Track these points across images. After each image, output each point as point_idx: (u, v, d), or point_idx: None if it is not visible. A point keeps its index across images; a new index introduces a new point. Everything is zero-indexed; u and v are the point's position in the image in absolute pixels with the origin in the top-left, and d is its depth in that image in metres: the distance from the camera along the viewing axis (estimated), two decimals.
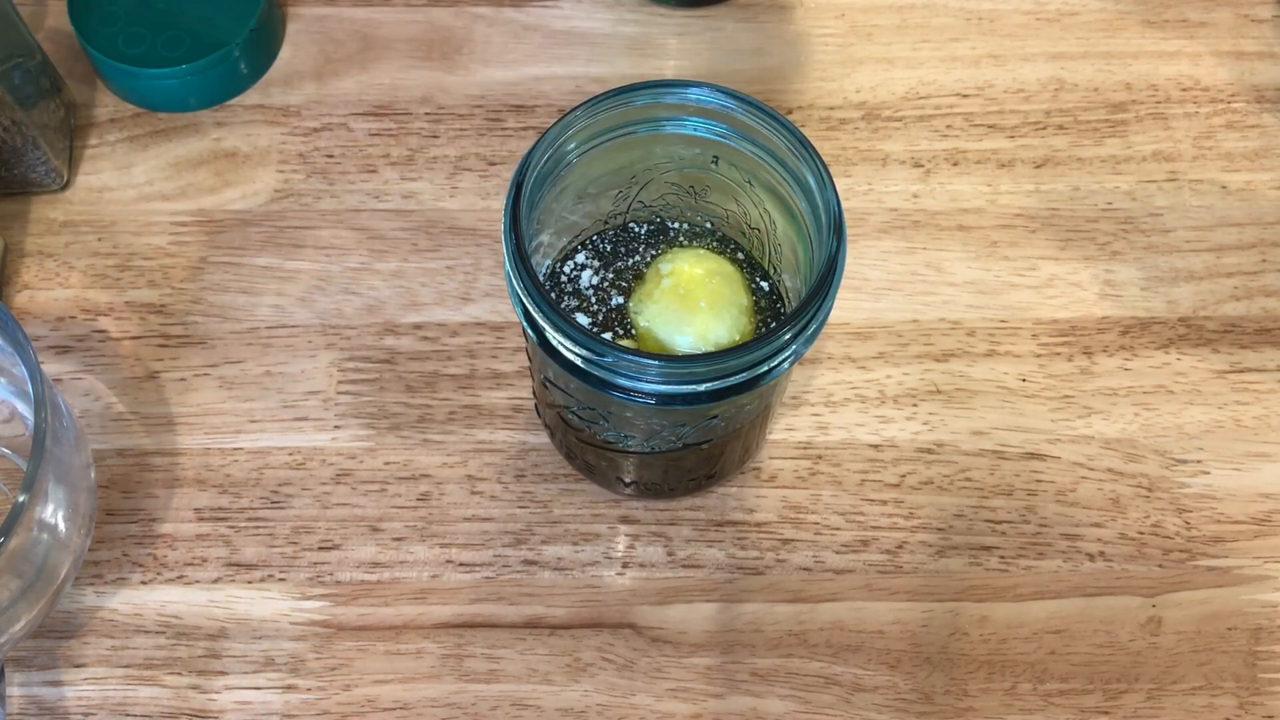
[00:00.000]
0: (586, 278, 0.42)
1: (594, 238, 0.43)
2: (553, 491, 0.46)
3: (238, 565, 0.45)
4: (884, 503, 0.46)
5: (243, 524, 0.45)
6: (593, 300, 0.42)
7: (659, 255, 0.42)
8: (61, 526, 0.40)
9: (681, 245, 0.43)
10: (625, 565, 0.45)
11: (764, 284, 0.42)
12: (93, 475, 0.42)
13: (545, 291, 0.34)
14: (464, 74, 0.55)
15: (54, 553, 0.40)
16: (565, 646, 0.44)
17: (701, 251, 0.42)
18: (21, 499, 0.36)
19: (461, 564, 0.45)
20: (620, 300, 0.41)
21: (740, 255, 0.43)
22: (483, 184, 0.52)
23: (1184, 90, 0.55)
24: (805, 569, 0.45)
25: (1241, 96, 0.55)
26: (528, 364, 0.47)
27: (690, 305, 0.39)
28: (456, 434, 0.47)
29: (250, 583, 0.45)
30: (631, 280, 0.42)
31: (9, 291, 0.49)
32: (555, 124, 0.36)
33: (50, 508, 0.39)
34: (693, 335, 0.39)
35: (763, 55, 0.55)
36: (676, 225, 0.43)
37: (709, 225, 0.43)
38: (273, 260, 0.50)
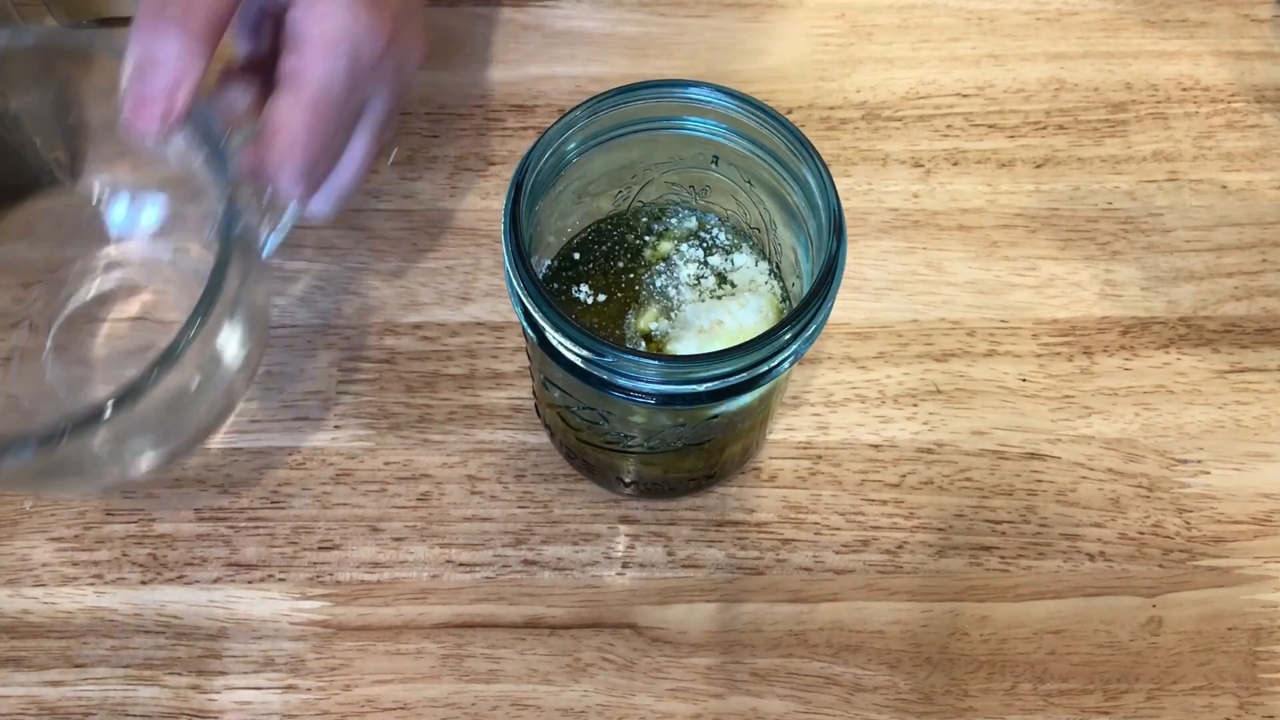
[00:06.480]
0: (585, 290, 0.42)
1: (593, 237, 0.43)
2: (553, 491, 0.46)
3: (238, 565, 0.45)
4: (884, 503, 0.46)
5: (243, 524, 0.45)
6: (594, 300, 0.42)
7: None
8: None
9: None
10: (625, 565, 0.45)
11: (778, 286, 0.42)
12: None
13: (545, 291, 0.34)
14: (464, 74, 0.55)
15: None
16: (565, 646, 0.44)
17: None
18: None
19: (461, 564, 0.45)
20: (620, 308, 0.41)
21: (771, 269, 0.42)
22: (483, 184, 0.52)
23: (1184, 90, 0.55)
24: (805, 569, 0.45)
25: (1241, 96, 0.55)
26: (528, 364, 0.47)
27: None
28: (456, 434, 0.47)
29: (250, 583, 0.45)
30: (632, 283, 0.42)
31: None
32: (555, 124, 0.36)
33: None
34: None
35: (763, 55, 0.55)
36: (675, 224, 0.43)
37: (711, 222, 0.43)
38: (273, 260, 0.50)
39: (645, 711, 0.43)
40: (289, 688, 0.43)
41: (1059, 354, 0.49)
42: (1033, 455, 0.47)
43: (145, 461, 0.38)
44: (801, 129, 0.38)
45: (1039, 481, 0.47)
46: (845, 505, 0.46)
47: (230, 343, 0.38)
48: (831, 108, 0.54)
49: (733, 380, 0.34)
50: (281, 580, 0.45)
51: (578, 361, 0.34)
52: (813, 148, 0.36)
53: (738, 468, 0.46)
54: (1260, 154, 0.53)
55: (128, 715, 0.43)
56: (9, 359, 0.42)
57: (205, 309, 0.34)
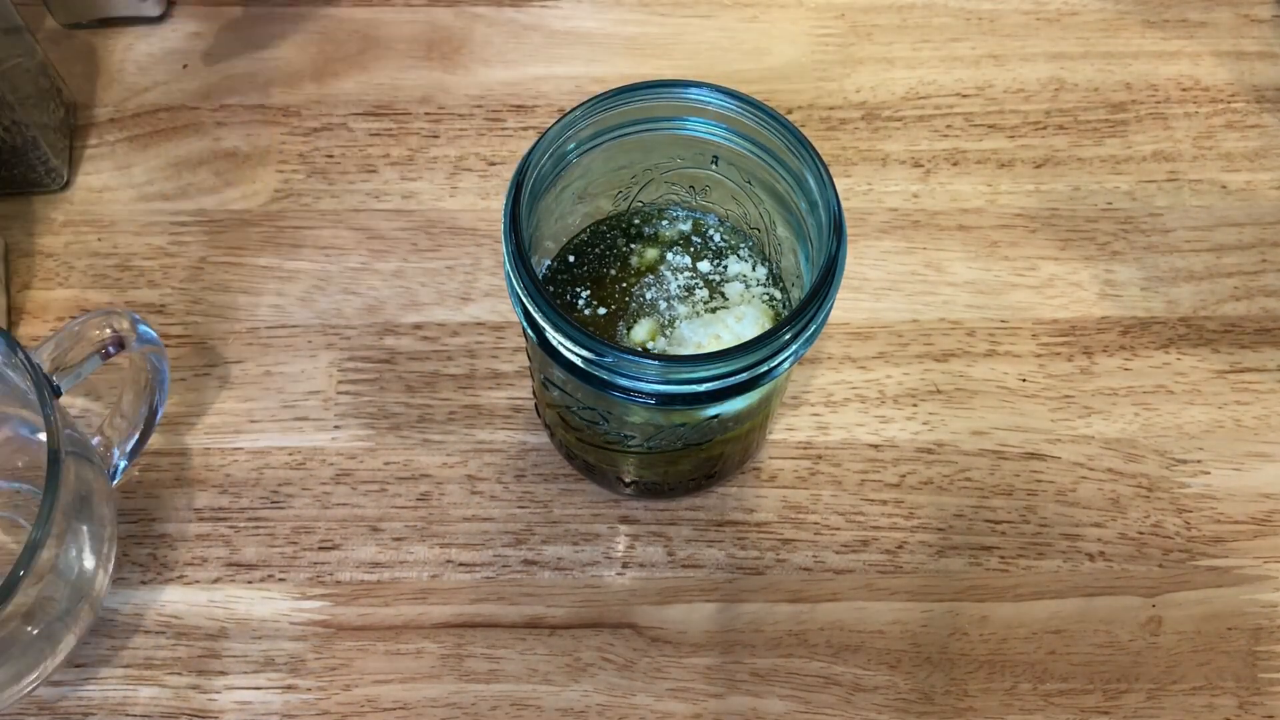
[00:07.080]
0: (583, 299, 0.42)
1: (592, 238, 0.43)
2: (553, 491, 0.46)
3: (238, 565, 0.45)
4: (884, 503, 0.46)
5: (243, 524, 0.45)
6: (593, 299, 0.42)
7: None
8: (87, 562, 0.40)
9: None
10: (625, 565, 0.45)
11: (776, 291, 0.42)
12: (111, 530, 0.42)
13: (545, 291, 0.34)
14: (464, 74, 0.55)
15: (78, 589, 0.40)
16: (565, 646, 0.44)
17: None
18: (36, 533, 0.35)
19: (461, 564, 0.45)
20: (618, 305, 0.41)
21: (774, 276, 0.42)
22: (483, 184, 0.52)
23: (1184, 90, 0.55)
24: (805, 569, 0.45)
25: (1241, 96, 0.55)
26: (528, 364, 0.47)
27: None
28: (456, 434, 0.47)
29: (250, 583, 0.45)
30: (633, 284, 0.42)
31: (9, 291, 0.49)
32: (555, 124, 0.36)
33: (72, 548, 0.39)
34: None
35: (763, 55, 0.55)
36: (673, 225, 0.43)
37: (711, 223, 0.43)
38: (273, 260, 0.50)
39: (645, 711, 0.43)
40: (289, 688, 0.43)
41: (1059, 354, 0.49)
42: (1033, 455, 0.47)
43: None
44: (801, 129, 0.38)
45: (1039, 481, 0.47)
46: (845, 505, 0.46)
47: (77, 563, 0.40)
48: (831, 108, 0.54)
49: (732, 380, 0.34)
50: (281, 580, 0.45)
51: (578, 362, 0.34)
52: (813, 148, 0.36)
53: (738, 468, 0.46)
54: (1260, 154, 0.53)
55: (128, 715, 0.43)
56: None
57: (29, 559, 0.35)
